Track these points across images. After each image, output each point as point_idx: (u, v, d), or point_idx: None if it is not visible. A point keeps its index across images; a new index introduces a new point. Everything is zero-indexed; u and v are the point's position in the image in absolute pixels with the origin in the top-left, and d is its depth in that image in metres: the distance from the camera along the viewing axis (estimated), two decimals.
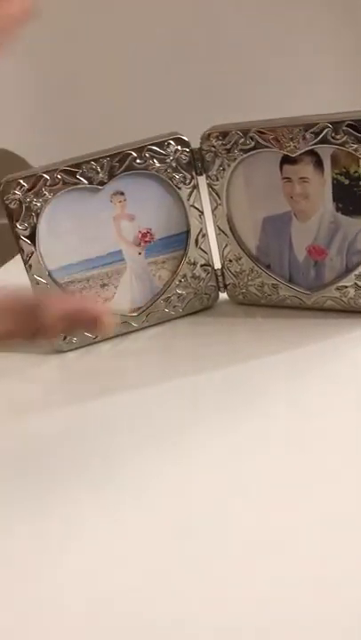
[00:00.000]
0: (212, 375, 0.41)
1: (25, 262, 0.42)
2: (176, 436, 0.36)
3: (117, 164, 0.41)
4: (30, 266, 0.42)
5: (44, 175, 0.40)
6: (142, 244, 0.44)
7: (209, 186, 0.43)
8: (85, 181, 0.41)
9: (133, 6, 0.73)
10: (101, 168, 0.41)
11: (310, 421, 0.35)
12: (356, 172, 0.38)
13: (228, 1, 0.72)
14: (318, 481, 0.31)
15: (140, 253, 0.44)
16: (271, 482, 0.31)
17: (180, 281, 0.45)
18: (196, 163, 0.42)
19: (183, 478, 0.33)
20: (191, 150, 0.42)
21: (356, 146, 0.37)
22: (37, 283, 0.43)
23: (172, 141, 0.41)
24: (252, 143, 0.40)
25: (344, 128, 0.37)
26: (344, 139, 0.37)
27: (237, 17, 0.72)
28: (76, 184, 0.41)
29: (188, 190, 0.43)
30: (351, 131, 0.37)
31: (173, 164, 0.42)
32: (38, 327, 0.27)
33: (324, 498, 0.30)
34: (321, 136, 0.38)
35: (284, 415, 0.36)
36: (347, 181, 0.39)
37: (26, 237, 0.41)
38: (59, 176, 0.40)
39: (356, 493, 0.30)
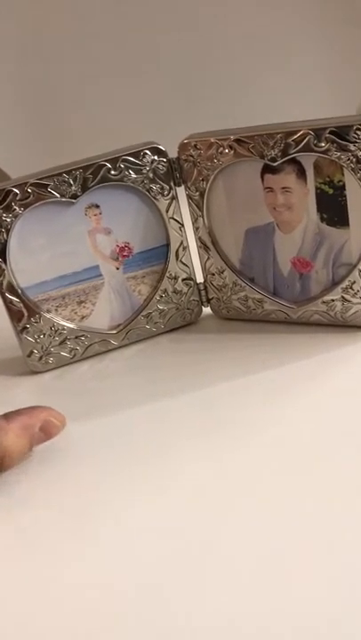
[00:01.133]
0: (196, 395, 0.39)
1: None
2: (157, 458, 0.34)
3: (91, 175, 0.39)
4: (1, 284, 0.40)
5: (14, 189, 0.38)
6: (120, 258, 0.42)
7: (188, 197, 0.41)
8: (57, 195, 0.39)
9: (112, 13, 0.72)
10: (74, 180, 0.39)
11: (297, 441, 0.33)
12: (340, 180, 0.37)
13: (209, 8, 0.70)
14: (307, 502, 0.29)
15: (118, 268, 0.42)
16: (257, 505, 0.29)
17: (161, 296, 0.43)
18: (175, 173, 0.40)
19: (165, 503, 0.31)
20: (169, 160, 0.40)
21: (339, 154, 0.35)
22: (10, 301, 0.41)
23: (148, 151, 0.40)
24: (232, 152, 0.38)
25: (327, 135, 0.35)
26: (327, 146, 0.36)
27: (218, 23, 0.71)
28: (47, 197, 0.39)
29: (167, 202, 0.41)
30: (334, 138, 0.35)
31: (150, 175, 0.40)
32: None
33: (313, 519, 0.28)
34: (303, 144, 0.36)
35: (270, 435, 0.34)
36: (331, 191, 0.37)
37: None
38: (29, 190, 0.38)
39: (344, 514, 0.28)
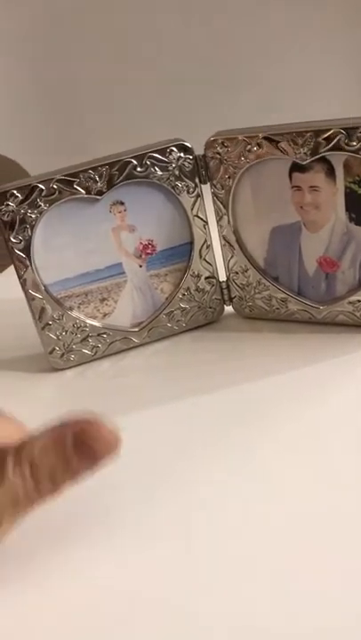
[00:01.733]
0: (217, 394, 0.38)
1: (19, 276, 0.40)
2: (180, 457, 0.33)
3: (117, 172, 0.39)
4: (25, 280, 0.40)
5: (40, 185, 0.38)
6: (143, 256, 0.42)
7: (213, 195, 0.41)
8: (83, 191, 0.38)
9: (134, 9, 0.71)
10: (100, 177, 0.38)
11: (320, 442, 0.33)
12: None
13: (232, 2, 0.70)
14: (329, 503, 0.29)
15: (141, 266, 0.42)
16: (282, 503, 0.29)
17: (184, 294, 0.43)
18: (200, 170, 0.40)
19: (189, 504, 0.31)
20: (195, 157, 0.40)
21: None
22: (33, 298, 0.40)
23: (174, 148, 0.39)
24: (260, 150, 0.38)
25: (359, 134, 0.35)
26: (358, 145, 0.35)
27: (243, 19, 0.70)
28: (73, 194, 0.38)
29: (192, 199, 0.41)
30: None
31: (176, 172, 0.40)
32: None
33: (335, 521, 0.28)
34: (333, 142, 0.35)
35: (293, 436, 0.34)
36: (360, 190, 0.37)
37: (20, 250, 0.39)
38: (55, 186, 0.38)
39: None
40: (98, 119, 0.72)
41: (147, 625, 0.25)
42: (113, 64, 0.73)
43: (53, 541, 0.30)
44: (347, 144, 0.35)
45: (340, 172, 0.37)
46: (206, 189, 0.41)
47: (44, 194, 0.38)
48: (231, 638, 0.24)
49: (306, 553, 0.27)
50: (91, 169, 0.38)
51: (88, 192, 0.39)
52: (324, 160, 0.37)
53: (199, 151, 0.40)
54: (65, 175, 0.38)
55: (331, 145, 0.36)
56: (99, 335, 0.43)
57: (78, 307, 0.42)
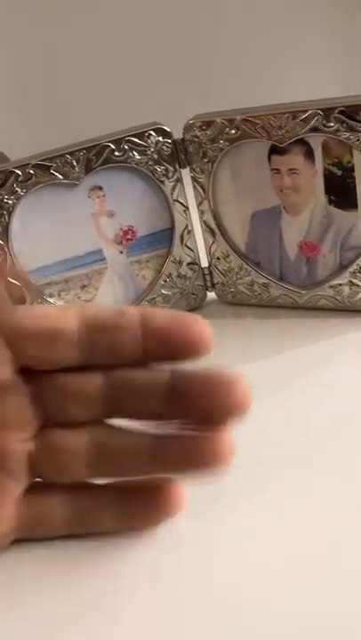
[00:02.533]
0: None
1: None
2: None
3: (94, 157, 0.38)
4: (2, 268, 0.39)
5: (16, 170, 0.37)
6: (124, 242, 0.41)
7: (193, 179, 0.40)
8: (60, 176, 0.38)
9: None
10: (77, 162, 0.38)
11: (302, 429, 0.33)
12: (349, 162, 0.36)
13: None
14: (316, 495, 0.29)
15: (121, 252, 0.42)
16: (260, 497, 0.29)
17: (166, 281, 0.43)
18: (180, 154, 0.40)
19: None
20: (174, 141, 0.39)
21: (348, 134, 0.35)
22: (12, 286, 0.40)
23: (152, 132, 0.39)
24: (238, 133, 0.37)
25: (336, 115, 0.34)
26: (336, 126, 0.35)
27: (227, 3, 0.69)
28: (50, 179, 0.38)
29: (172, 184, 0.40)
30: (343, 118, 0.34)
31: (155, 157, 0.39)
32: None
33: (324, 514, 0.27)
34: (311, 124, 0.35)
35: (275, 422, 0.33)
36: (339, 172, 0.36)
37: None
38: (31, 171, 0.38)
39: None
40: (81, 103, 0.72)
41: None
42: (94, 48, 0.72)
43: None
44: (325, 125, 0.35)
45: (318, 153, 0.36)
46: (186, 174, 0.40)
47: (20, 179, 0.38)
48: None
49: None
50: (68, 153, 0.38)
51: (65, 177, 0.38)
52: (302, 142, 0.36)
53: (178, 135, 0.39)
54: (41, 160, 0.38)
55: (308, 126, 0.35)
56: None
57: (58, 294, 0.42)
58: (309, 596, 0.23)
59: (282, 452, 0.31)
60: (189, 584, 0.25)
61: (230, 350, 0.40)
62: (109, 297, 0.43)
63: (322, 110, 0.35)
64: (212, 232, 0.42)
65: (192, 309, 0.45)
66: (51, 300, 0.41)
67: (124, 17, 0.71)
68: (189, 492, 0.27)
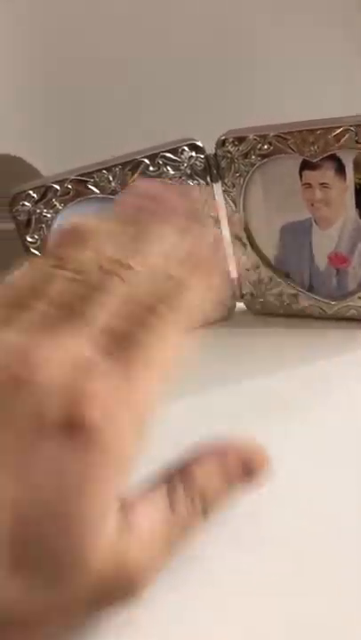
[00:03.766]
0: (230, 391, 0.39)
1: None
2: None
3: (130, 172, 0.39)
4: None
5: (54, 185, 0.39)
6: None
7: (225, 193, 0.41)
8: (97, 191, 0.39)
9: (141, 6, 0.72)
10: (113, 177, 0.39)
11: (331, 439, 0.33)
12: None
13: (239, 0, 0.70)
14: (341, 501, 0.29)
15: None
16: (289, 498, 0.30)
17: None
18: (212, 169, 0.41)
19: None
20: (206, 157, 0.40)
21: None
22: None
23: (186, 147, 0.40)
24: (270, 148, 0.38)
25: None
26: None
27: (250, 16, 0.70)
28: (87, 194, 0.39)
29: (203, 198, 0.41)
30: None
31: (188, 172, 0.40)
32: None
33: (346, 523, 0.28)
34: (343, 140, 0.36)
35: (305, 433, 0.34)
36: None
37: (36, 249, 0.40)
38: (69, 186, 0.39)
39: None
40: (110, 118, 0.73)
41: None
42: (124, 63, 0.73)
43: None
44: (357, 141, 0.36)
45: (349, 169, 0.37)
46: (217, 188, 0.41)
47: (58, 194, 0.39)
48: None
49: None
50: (104, 169, 0.39)
51: (102, 191, 0.39)
52: (334, 157, 0.37)
53: (210, 150, 0.40)
54: (79, 175, 0.39)
55: (341, 142, 0.36)
56: None
57: None
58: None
59: (310, 462, 0.32)
60: None
61: (259, 360, 0.41)
62: None
63: (354, 126, 0.36)
64: (243, 244, 0.43)
65: (221, 319, 0.46)
66: None
67: (157, 32, 0.72)
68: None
